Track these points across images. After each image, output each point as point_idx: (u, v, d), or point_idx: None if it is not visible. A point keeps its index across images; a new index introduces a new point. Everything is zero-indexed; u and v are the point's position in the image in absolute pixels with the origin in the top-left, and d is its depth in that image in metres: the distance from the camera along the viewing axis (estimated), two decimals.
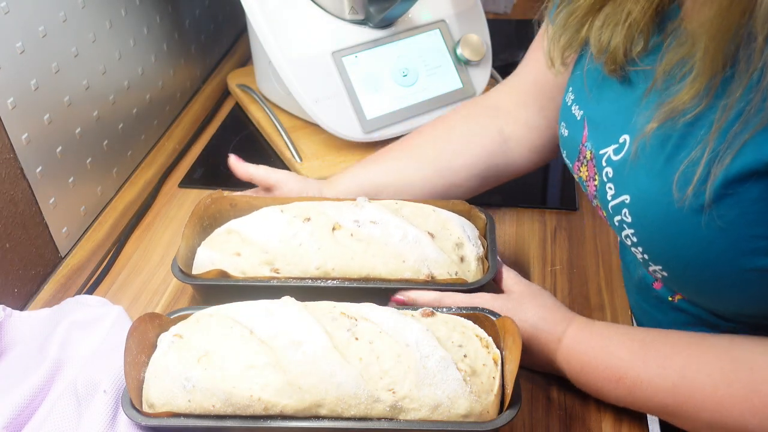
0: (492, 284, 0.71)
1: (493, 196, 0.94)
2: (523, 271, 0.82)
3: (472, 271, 0.71)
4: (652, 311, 0.71)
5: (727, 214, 0.52)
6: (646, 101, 0.58)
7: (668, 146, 0.56)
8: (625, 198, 0.60)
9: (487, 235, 0.76)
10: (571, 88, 0.71)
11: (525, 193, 0.94)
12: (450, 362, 0.58)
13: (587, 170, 0.67)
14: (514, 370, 0.58)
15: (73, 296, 0.77)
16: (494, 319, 0.64)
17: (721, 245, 0.53)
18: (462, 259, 0.71)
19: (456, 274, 0.70)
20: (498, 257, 0.73)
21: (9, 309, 0.72)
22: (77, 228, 0.88)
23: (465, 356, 0.59)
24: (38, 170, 0.79)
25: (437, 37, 1.00)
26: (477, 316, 0.65)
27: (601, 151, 0.64)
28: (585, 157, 0.67)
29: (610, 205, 0.62)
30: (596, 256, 0.84)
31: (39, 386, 0.64)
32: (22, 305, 0.79)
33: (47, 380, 0.65)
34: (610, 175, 0.62)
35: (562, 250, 0.85)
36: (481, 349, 0.61)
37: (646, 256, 0.61)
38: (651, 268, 0.62)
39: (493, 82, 1.08)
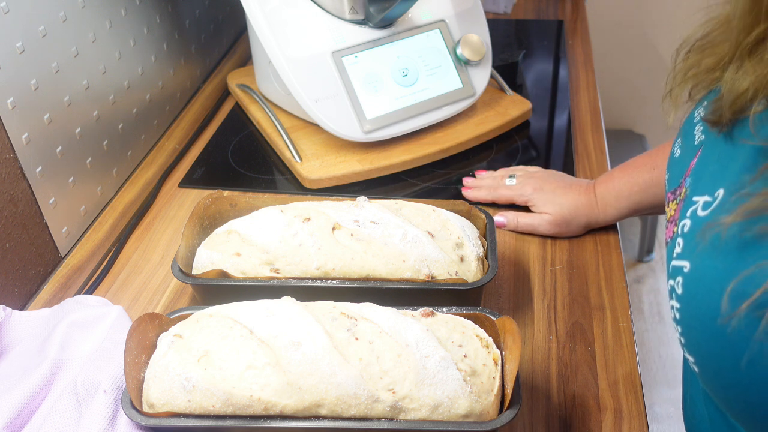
0: (492, 284, 0.71)
1: None
2: (523, 271, 0.82)
3: (472, 271, 0.71)
4: (692, 392, 0.63)
5: None
6: (749, 168, 0.48)
7: (749, 234, 0.44)
8: (685, 265, 0.50)
9: (487, 235, 0.76)
10: (705, 103, 0.58)
11: None
12: (450, 362, 0.58)
13: (675, 210, 0.57)
14: (514, 370, 0.58)
15: (73, 296, 0.77)
16: (494, 319, 0.64)
17: (764, 387, 0.44)
18: (462, 259, 0.71)
19: (456, 274, 0.70)
20: (497, 257, 0.73)
21: (9, 309, 0.72)
22: (77, 228, 0.88)
23: (465, 356, 0.59)
24: (38, 170, 0.79)
25: (437, 37, 1.00)
26: (477, 316, 0.65)
27: (694, 198, 0.53)
28: (680, 194, 0.57)
29: (672, 264, 0.53)
30: (596, 256, 0.84)
31: (39, 386, 0.64)
32: (22, 305, 0.79)
33: (47, 380, 0.65)
34: (686, 230, 0.52)
35: (562, 250, 0.85)
36: (481, 349, 0.61)
37: (683, 340, 0.52)
38: (686, 354, 0.53)
39: (493, 82, 1.09)
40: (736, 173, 0.50)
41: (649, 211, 0.84)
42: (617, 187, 0.84)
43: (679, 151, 0.61)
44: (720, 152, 0.53)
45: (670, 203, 0.59)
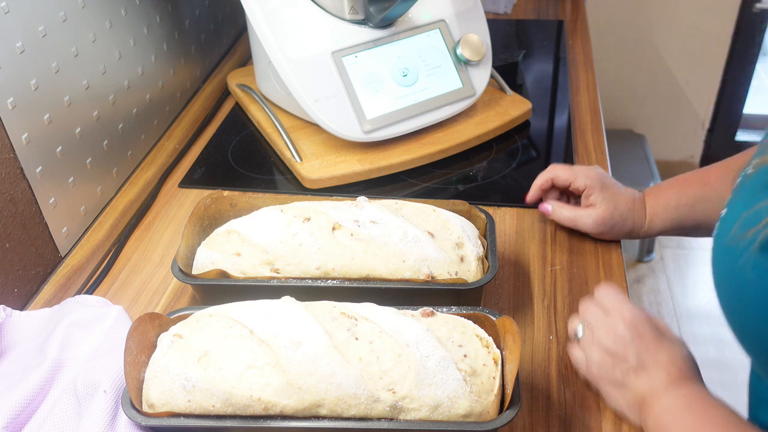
0: (492, 284, 0.71)
1: (493, 196, 0.94)
2: (523, 271, 0.82)
3: (472, 271, 0.71)
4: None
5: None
6: None
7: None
8: (724, 211, 0.58)
9: (487, 235, 0.76)
10: None
11: (525, 192, 0.94)
12: (450, 362, 0.58)
13: None
14: (514, 370, 0.58)
15: (73, 296, 0.77)
16: (494, 319, 0.64)
17: (757, 292, 0.51)
18: (462, 259, 0.71)
19: (456, 273, 0.70)
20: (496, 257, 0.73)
21: (9, 309, 0.72)
22: (77, 228, 0.88)
23: (465, 356, 0.59)
24: (38, 170, 0.79)
25: (437, 37, 1.00)
26: (477, 316, 0.65)
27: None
28: None
29: (723, 211, 0.59)
30: (596, 256, 0.84)
31: (39, 386, 0.64)
32: (22, 305, 0.79)
33: (47, 380, 0.65)
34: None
35: (562, 250, 0.85)
36: (481, 349, 0.61)
37: (714, 278, 0.59)
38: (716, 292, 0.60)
39: (493, 82, 1.09)
40: None
41: (694, 229, 0.82)
42: (665, 198, 0.82)
43: None
44: None
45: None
